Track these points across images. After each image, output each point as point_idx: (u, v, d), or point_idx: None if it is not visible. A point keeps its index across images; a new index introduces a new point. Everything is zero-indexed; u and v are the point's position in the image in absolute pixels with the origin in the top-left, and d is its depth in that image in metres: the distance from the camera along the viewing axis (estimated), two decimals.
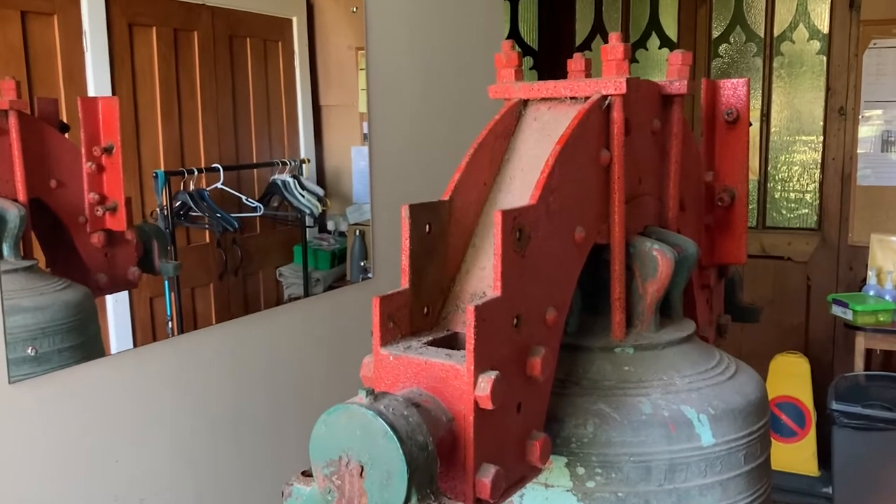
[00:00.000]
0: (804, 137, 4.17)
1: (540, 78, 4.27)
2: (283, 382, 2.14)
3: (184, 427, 1.89)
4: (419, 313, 0.93)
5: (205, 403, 1.93)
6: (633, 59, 4.35)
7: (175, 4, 1.82)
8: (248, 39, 2.01)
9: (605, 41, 1.10)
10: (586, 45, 4.48)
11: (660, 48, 4.33)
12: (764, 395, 1.12)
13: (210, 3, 1.88)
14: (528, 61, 4.61)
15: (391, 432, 0.72)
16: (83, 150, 1.59)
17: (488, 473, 0.82)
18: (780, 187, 4.24)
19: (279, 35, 2.12)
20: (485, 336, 0.82)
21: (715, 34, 4.22)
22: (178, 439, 1.88)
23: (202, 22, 1.88)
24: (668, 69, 1.24)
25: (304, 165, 2.21)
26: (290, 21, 2.15)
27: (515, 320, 0.88)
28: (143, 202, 1.80)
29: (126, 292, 1.72)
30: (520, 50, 1.17)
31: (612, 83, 1.06)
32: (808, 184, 4.18)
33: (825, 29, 4.02)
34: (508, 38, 4.55)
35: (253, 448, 2.05)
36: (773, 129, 4.19)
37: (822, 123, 4.06)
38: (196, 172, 1.89)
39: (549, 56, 4.52)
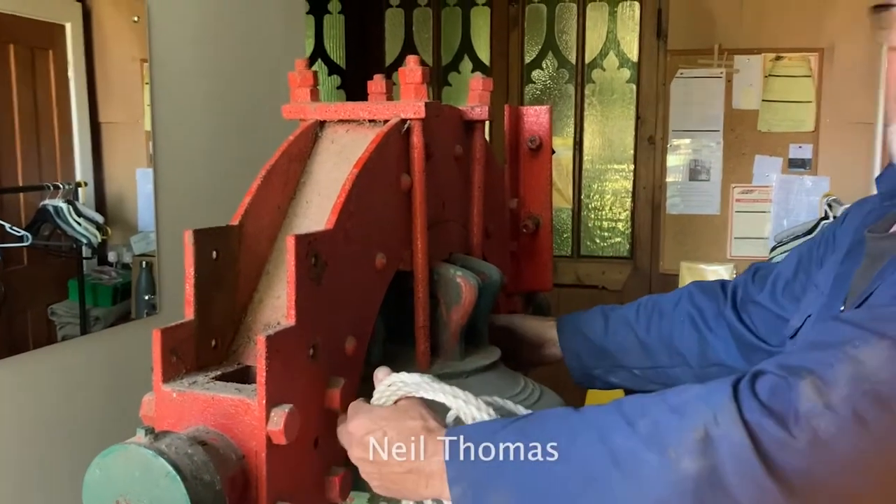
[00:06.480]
0: (616, 166, 4.49)
1: (348, 98, 4.34)
2: (54, 434, 2.04)
3: None
4: (206, 346, 0.94)
5: None
6: (445, 82, 4.52)
7: None
8: (11, 46, 1.93)
9: None
10: (397, 65, 4.59)
11: (473, 71, 4.52)
12: None
13: None
14: (336, 80, 4.67)
15: (173, 472, 0.74)
16: None
17: None
18: (593, 216, 4.54)
19: (49, 43, 2.04)
20: (278, 368, 0.85)
21: (528, 59, 4.44)
22: None
23: None
24: (469, 94, 1.33)
25: (80, 189, 2.12)
26: (62, 27, 2.07)
27: (312, 350, 0.92)
28: None
29: None
30: (316, 69, 1.21)
31: (410, 107, 1.12)
32: (620, 212, 4.50)
33: (635, 57, 4.37)
34: (314, 54, 4.59)
35: None
36: (585, 157, 4.48)
37: (632, 152, 4.40)
38: None
39: (357, 75, 4.60)
